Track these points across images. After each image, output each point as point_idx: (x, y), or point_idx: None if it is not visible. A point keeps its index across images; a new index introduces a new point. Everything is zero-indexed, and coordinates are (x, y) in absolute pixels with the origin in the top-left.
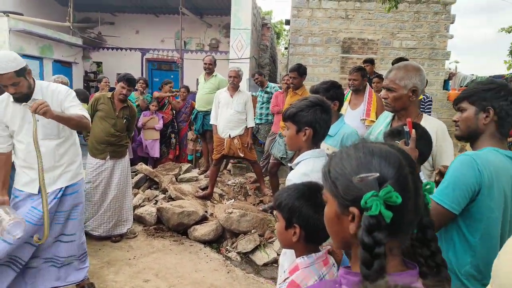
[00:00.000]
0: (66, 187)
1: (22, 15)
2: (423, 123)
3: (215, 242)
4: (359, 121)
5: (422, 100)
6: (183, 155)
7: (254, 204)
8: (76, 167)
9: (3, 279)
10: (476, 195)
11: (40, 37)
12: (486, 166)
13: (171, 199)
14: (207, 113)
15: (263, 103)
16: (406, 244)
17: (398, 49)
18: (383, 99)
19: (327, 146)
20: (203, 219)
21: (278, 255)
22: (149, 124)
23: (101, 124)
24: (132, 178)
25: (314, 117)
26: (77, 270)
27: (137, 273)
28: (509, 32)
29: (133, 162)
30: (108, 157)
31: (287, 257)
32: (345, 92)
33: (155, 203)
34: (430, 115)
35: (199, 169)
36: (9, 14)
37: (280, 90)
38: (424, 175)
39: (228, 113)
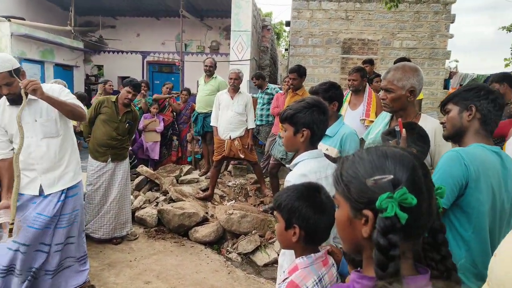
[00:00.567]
0: (68, 189)
1: (24, 19)
2: (421, 122)
3: (216, 243)
4: (359, 121)
5: None
6: (184, 157)
7: (254, 205)
8: (76, 167)
9: None
10: (464, 189)
11: (42, 41)
12: (473, 161)
13: (172, 200)
14: (207, 115)
15: (263, 105)
16: (418, 247)
17: (399, 49)
18: (381, 100)
19: (326, 146)
20: (204, 221)
21: (279, 255)
22: (150, 127)
23: (103, 127)
24: (133, 180)
25: (312, 118)
26: (77, 273)
27: (138, 274)
28: (510, 31)
29: (134, 165)
30: (110, 159)
31: (286, 258)
32: (345, 93)
33: (156, 205)
34: None
35: (200, 171)
36: (11, 19)
37: (281, 91)
38: None
39: (229, 115)
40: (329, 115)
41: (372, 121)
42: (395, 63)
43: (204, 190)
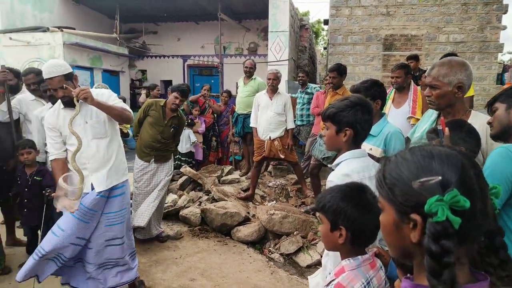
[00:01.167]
0: (115, 188)
1: (74, 29)
2: (471, 120)
3: (258, 243)
4: (404, 119)
5: None
6: (224, 158)
7: (295, 206)
8: (122, 167)
9: (47, 269)
10: None
11: (91, 49)
12: None
13: (214, 200)
14: (247, 116)
15: (303, 104)
16: (474, 252)
17: (445, 43)
18: (426, 97)
19: (370, 146)
20: (246, 220)
21: (322, 256)
22: (193, 128)
23: (150, 130)
24: (177, 180)
25: (355, 118)
26: (129, 270)
27: (184, 272)
28: None
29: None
30: (153, 160)
31: (330, 259)
32: (388, 91)
33: (199, 204)
34: None
35: (240, 171)
36: (63, 29)
37: (321, 90)
38: None
39: (268, 115)
40: (373, 114)
41: (418, 119)
42: (441, 58)
43: (245, 190)
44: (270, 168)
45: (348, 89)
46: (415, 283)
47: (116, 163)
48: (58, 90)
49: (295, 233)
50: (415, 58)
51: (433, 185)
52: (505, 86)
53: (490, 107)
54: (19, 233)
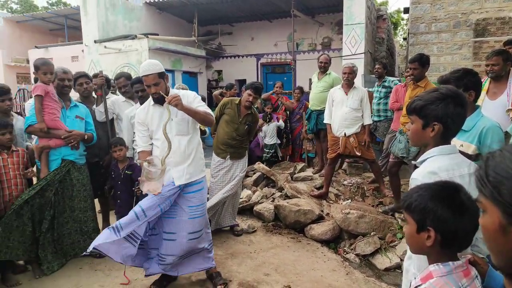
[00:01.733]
0: (194, 184)
1: (158, 35)
2: None
3: (332, 242)
4: (501, 112)
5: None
6: (296, 155)
7: (372, 206)
8: (201, 163)
9: (125, 251)
10: None
11: (172, 52)
12: None
13: (287, 197)
14: (320, 112)
15: (380, 99)
16: None
17: None
18: None
19: (461, 142)
20: (319, 219)
21: (402, 260)
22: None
23: (226, 127)
24: (251, 176)
25: (446, 111)
26: (204, 259)
27: (258, 266)
28: None
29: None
30: (228, 156)
31: (413, 262)
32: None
33: (272, 201)
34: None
35: (313, 169)
36: (148, 36)
37: (399, 83)
38: None
39: (343, 111)
40: (467, 107)
41: None
42: None
43: (318, 188)
44: (344, 165)
45: (432, 81)
46: None
47: (195, 159)
48: (151, 87)
49: (372, 233)
50: None
51: None
52: None
53: None
54: (113, 222)
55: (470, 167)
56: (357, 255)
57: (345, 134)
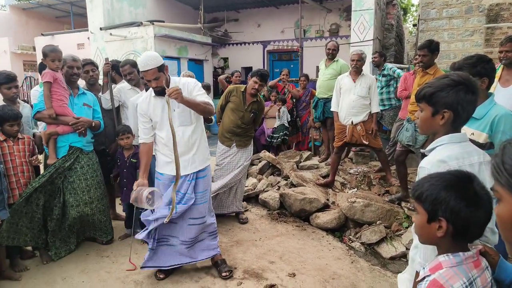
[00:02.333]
0: (199, 171)
1: (163, 22)
2: None
3: (337, 231)
4: None
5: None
6: (303, 143)
7: (379, 194)
8: (205, 152)
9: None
10: None
11: (178, 39)
12: None
13: (292, 185)
14: (327, 100)
15: (382, 88)
16: None
17: None
18: None
19: (472, 131)
20: (325, 207)
21: (407, 249)
22: (270, 113)
23: (231, 115)
24: (256, 164)
25: (456, 98)
26: (209, 246)
27: (263, 254)
28: None
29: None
30: (234, 145)
31: (420, 252)
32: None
33: (278, 189)
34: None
35: (320, 157)
36: (154, 23)
37: (398, 71)
38: None
39: (351, 99)
40: (478, 94)
41: None
42: None
43: (324, 177)
44: (351, 154)
45: (442, 68)
46: None
47: (200, 148)
48: (152, 81)
49: (377, 222)
50: None
51: None
52: None
53: None
54: (119, 209)
55: (480, 156)
56: (362, 243)
57: (352, 123)
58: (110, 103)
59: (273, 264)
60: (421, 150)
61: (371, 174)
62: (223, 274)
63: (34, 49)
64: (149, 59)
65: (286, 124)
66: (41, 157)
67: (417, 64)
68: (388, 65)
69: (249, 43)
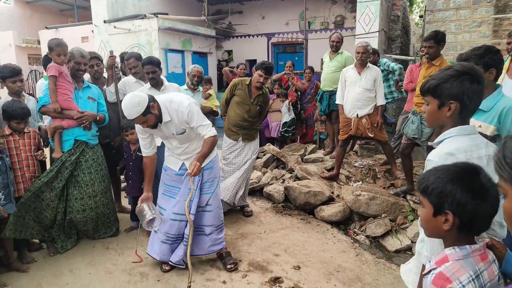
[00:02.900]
0: (203, 167)
1: (167, 14)
2: None
3: (342, 224)
4: None
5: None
6: (308, 136)
7: (384, 188)
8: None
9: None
10: None
11: (182, 32)
12: None
13: (297, 178)
14: (332, 93)
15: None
16: None
17: None
18: None
19: (479, 123)
20: (330, 200)
21: (413, 242)
22: (274, 107)
23: (237, 109)
24: (261, 158)
25: (461, 89)
26: (216, 240)
27: (268, 246)
28: None
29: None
30: (240, 138)
31: (426, 245)
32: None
33: (282, 182)
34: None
35: (324, 150)
36: (158, 15)
37: (392, 64)
38: None
39: (356, 92)
40: (484, 84)
41: None
42: None
43: (329, 170)
44: (356, 147)
45: (449, 60)
46: None
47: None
48: (141, 124)
49: (382, 215)
50: None
51: None
52: None
53: None
54: (125, 202)
55: (488, 148)
56: (367, 236)
57: (357, 115)
58: (115, 96)
59: (278, 256)
60: (429, 143)
61: (376, 167)
62: (228, 266)
63: (38, 42)
64: (132, 108)
65: (293, 116)
66: (46, 150)
67: (424, 56)
68: (382, 60)
69: (253, 36)
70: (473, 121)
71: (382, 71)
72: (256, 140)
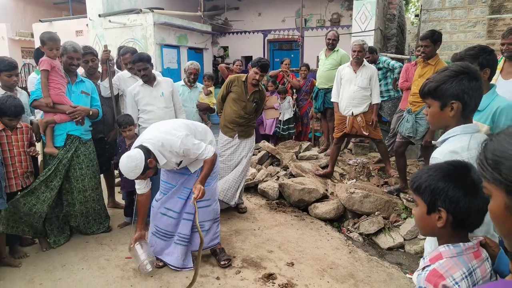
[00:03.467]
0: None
1: (163, 9)
2: None
3: (336, 221)
4: None
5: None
6: (303, 133)
7: (377, 186)
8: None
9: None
10: None
11: (178, 27)
12: None
13: (292, 176)
14: (328, 91)
15: (380, 80)
16: None
17: None
18: None
19: (474, 122)
20: (324, 197)
21: (405, 240)
22: (269, 104)
23: (233, 106)
24: (256, 154)
25: (461, 88)
26: (214, 235)
27: (262, 243)
28: None
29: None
30: (236, 135)
31: (430, 242)
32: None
33: (277, 179)
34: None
35: (319, 148)
36: (153, 10)
37: (392, 62)
38: None
39: (351, 90)
40: (481, 81)
41: None
42: None
43: (323, 167)
44: (350, 145)
45: (445, 59)
46: None
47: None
48: (144, 178)
49: (376, 213)
50: None
51: None
52: None
53: None
54: (119, 197)
55: (478, 152)
56: (360, 234)
57: (352, 114)
58: (109, 91)
59: (272, 253)
60: (433, 142)
61: (370, 165)
62: (222, 262)
63: (32, 35)
64: (130, 172)
65: (291, 115)
66: (38, 145)
67: (419, 55)
68: (382, 58)
69: (249, 32)
70: None
71: (381, 68)
72: (252, 137)
